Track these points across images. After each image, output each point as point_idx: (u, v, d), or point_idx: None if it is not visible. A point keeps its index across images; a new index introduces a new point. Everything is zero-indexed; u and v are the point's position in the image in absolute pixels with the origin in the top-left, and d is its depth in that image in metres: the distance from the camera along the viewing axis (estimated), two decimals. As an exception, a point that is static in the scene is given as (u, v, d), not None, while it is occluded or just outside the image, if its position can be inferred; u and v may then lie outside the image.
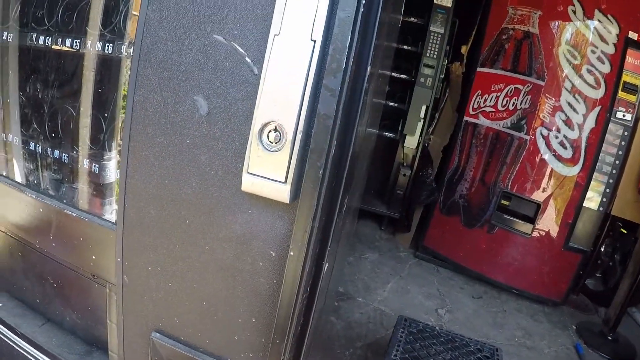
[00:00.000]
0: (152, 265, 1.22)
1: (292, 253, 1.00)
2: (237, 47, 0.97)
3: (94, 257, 1.38)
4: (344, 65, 0.90)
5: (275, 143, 0.94)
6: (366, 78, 1.02)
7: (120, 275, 1.29)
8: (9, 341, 1.65)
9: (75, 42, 1.47)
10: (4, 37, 1.60)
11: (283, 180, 0.95)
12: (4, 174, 1.62)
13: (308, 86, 0.91)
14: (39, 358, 1.60)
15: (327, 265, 1.17)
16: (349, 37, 0.89)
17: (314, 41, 0.89)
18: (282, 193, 0.96)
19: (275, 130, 0.94)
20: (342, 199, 1.13)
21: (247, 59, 0.97)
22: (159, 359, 1.32)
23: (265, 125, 0.94)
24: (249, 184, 0.98)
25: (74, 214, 1.38)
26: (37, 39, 1.54)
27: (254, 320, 1.14)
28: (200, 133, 1.04)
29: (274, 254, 1.05)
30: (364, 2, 0.91)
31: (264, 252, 1.06)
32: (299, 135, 0.93)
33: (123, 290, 1.31)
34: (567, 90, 3.56)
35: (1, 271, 1.77)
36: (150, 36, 1.05)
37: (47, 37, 1.52)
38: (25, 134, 1.63)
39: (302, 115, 0.92)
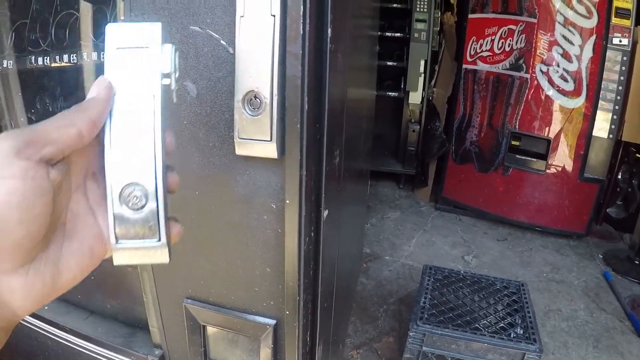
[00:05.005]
0: (176, 237, 1.36)
1: (287, 201, 1.14)
2: (212, 33, 1.10)
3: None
4: (301, 32, 1.03)
5: (257, 108, 1.07)
6: (329, 40, 1.15)
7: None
8: (58, 338, 1.82)
9: (72, 57, 1.60)
10: (5, 65, 1.73)
11: (269, 139, 1.08)
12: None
13: (275, 55, 1.03)
14: (88, 347, 1.76)
15: (326, 211, 1.31)
16: (301, 6, 1.01)
17: (274, 15, 1.01)
18: (270, 150, 1.10)
19: (256, 97, 1.07)
20: (329, 150, 1.27)
21: (222, 42, 1.10)
22: (194, 323, 1.47)
23: (246, 94, 1.07)
24: (241, 147, 1.12)
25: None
26: (36, 61, 1.66)
27: (268, 269, 1.28)
28: (194, 112, 1.18)
29: (274, 206, 1.19)
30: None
31: (265, 206, 1.20)
32: (275, 98, 1.06)
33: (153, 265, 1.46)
34: (560, 23, 3.60)
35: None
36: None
37: (45, 57, 1.64)
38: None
39: (274, 81, 1.05)
